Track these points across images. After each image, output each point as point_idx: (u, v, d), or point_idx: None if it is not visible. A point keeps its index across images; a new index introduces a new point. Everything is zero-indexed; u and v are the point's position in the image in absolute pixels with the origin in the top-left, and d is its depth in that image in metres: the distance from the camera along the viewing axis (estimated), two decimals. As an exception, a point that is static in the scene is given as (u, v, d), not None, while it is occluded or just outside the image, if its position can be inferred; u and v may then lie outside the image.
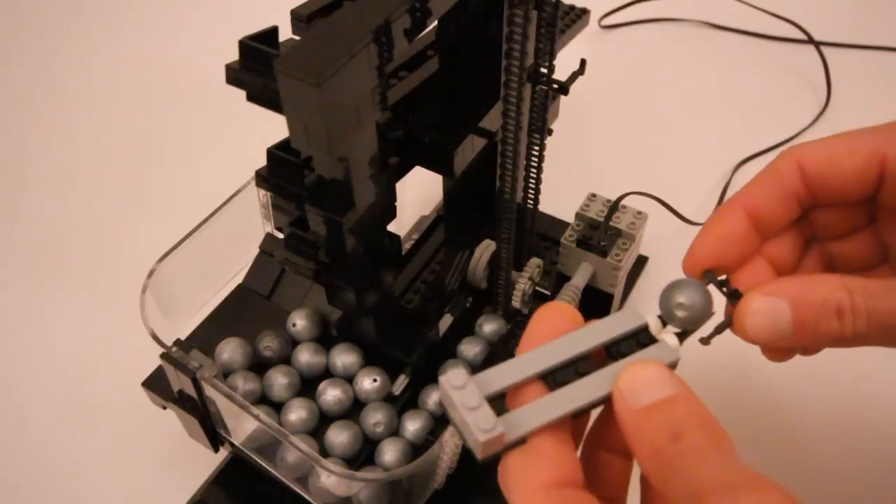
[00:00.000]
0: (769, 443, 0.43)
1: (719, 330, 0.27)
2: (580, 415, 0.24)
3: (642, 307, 0.50)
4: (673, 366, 0.25)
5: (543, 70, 0.35)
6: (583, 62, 0.38)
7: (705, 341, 0.27)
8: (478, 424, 0.22)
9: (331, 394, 0.38)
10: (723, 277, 0.28)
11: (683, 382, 0.23)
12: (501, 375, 0.24)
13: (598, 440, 0.27)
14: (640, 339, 0.25)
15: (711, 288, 0.27)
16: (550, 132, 0.38)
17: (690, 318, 0.26)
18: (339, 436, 0.36)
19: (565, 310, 0.26)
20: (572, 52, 0.50)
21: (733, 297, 0.27)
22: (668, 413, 0.23)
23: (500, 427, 0.22)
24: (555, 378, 0.24)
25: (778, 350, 0.29)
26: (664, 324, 0.26)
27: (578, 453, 0.27)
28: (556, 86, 0.36)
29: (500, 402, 0.24)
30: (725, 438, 0.22)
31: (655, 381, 0.23)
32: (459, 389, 0.23)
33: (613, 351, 0.25)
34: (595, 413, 0.26)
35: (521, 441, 0.23)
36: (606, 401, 0.24)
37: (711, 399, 0.24)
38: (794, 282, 0.26)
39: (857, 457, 0.42)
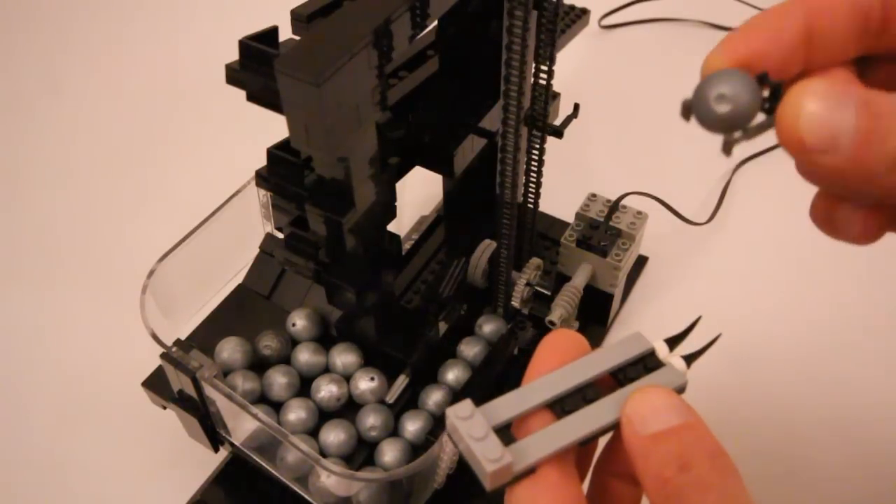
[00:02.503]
0: (768, 455, 0.43)
1: (754, 132, 0.22)
2: (588, 442, 0.24)
3: (642, 307, 0.50)
4: (681, 390, 0.24)
5: (538, 117, 0.35)
6: (576, 106, 0.38)
7: (728, 148, 0.22)
8: (485, 454, 0.22)
9: (325, 389, 0.38)
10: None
11: (693, 410, 0.23)
12: (508, 405, 0.24)
13: (607, 466, 0.26)
14: (647, 363, 0.25)
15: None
16: (550, 132, 0.38)
17: (733, 114, 0.21)
18: (329, 434, 0.36)
19: (571, 337, 0.25)
20: (572, 52, 0.50)
21: (775, 97, 0.21)
22: (677, 442, 0.22)
23: (508, 457, 0.22)
24: (562, 406, 0.24)
25: (825, 178, 0.23)
26: (671, 347, 0.25)
27: (587, 479, 0.26)
28: (550, 129, 0.37)
29: (507, 432, 0.23)
30: (734, 472, 0.22)
31: (664, 408, 0.23)
32: (465, 420, 0.23)
33: (620, 377, 0.25)
34: (604, 439, 0.25)
35: (530, 471, 0.23)
36: (615, 427, 0.24)
37: (708, 415, 0.24)
38: (859, 87, 0.21)
39: (858, 468, 0.42)
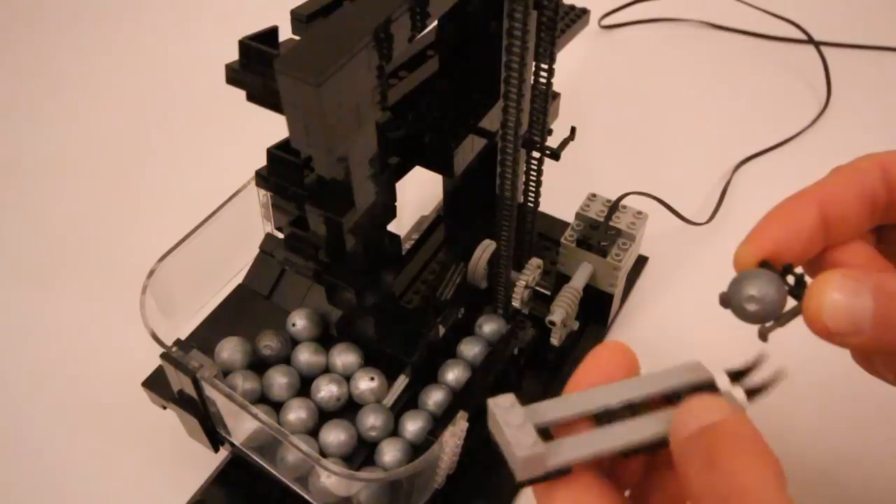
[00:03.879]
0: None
1: (784, 320, 0.24)
2: (631, 454, 0.23)
3: (642, 307, 0.50)
4: None
5: (536, 138, 0.35)
6: (573, 129, 0.38)
7: (764, 335, 0.25)
8: (518, 440, 0.22)
9: (325, 389, 0.38)
10: (797, 268, 0.25)
11: (738, 409, 0.22)
12: (553, 408, 0.23)
13: (648, 492, 0.25)
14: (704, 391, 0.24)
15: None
16: (550, 132, 0.38)
17: (763, 311, 0.24)
18: (329, 434, 0.36)
19: (620, 351, 0.25)
20: (572, 52, 0.50)
21: (800, 286, 0.24)
22: (712, 439, 0.21)
23: (542, 447, 0.22)
24: (608, 418, 0.23)
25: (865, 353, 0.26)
26: (733, 379, 0.24)
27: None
28: (548, 152, 0.37)
29: (546, 432, 0.23)
30: (777, 474, 0.20)
31: (706, 408, 0.22)
32: (505, 409, 0.23)
33: (674, 398, 0.24)
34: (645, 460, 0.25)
35: (565, 471, 0.22)
36: (661, 444, 0.23)
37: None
38: (873, 273, 0.24)
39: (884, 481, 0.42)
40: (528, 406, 0.23)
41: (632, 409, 0.23)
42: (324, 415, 0.38)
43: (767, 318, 0.24)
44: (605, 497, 0.22)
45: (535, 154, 0.38)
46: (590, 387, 0.24)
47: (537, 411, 0.23)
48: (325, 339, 0.41)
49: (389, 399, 0.39)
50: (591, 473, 0.22)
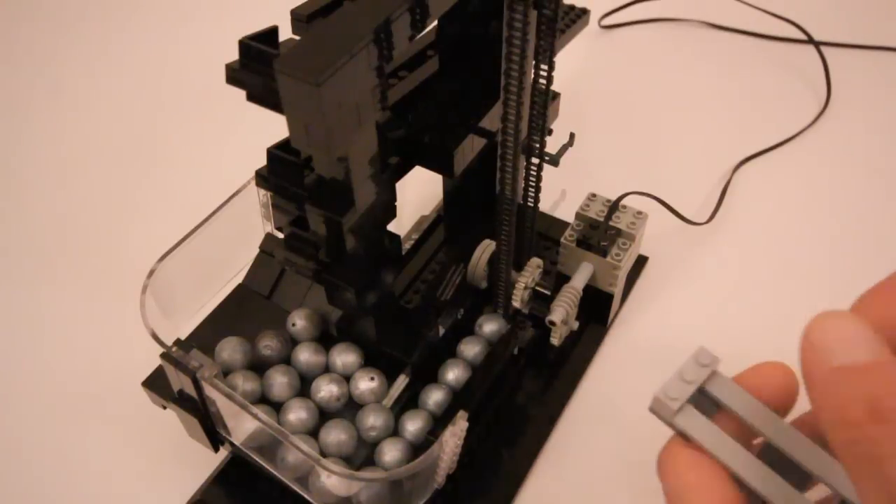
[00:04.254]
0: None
1: None
2: (747, 491, 0.23)
3: (642, 307, 0.50)
4: None
5: (535, 144, 0.35)
6: (572, 135, 0.38)
7: None
8: (668, 387, 0.24)
9: (325, 389, 0.38)
10: None
11: (886, 346, 0.20)
12: (729, 393, 0.24)
13: None
14: None
15: None
16: (550, 132, 0.38)
17: None
18: (329, 434, 0.36)
19: (781, 372, 0.24)
20: (572, 52, 0.50)
21: None
22: (869, 383, 0.19)
23: (676, 406, 0.23)
24: (769, 453, 0.23)
25: None
26: None
27: None
28: (546, 158, 0.37)
29: (710, 404, 0.24)
30: None
31: (854, 339, 0.20)
32: (694, 364, 0.24)
33: None
34: None
35: (686, 437, 0.23)
36: None
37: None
38: None
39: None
40: (716, 373, 0.24)
41: (793, 471, 0.23)
42: (324, 415, 0.38)
43: None
44: (722, 485, 0.22)
45: (535, 159, 0.38)
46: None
47: (715, 381, 0.24)
48: (325, 339, 0.41)
49: (389, 399, 0.39)
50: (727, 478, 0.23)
